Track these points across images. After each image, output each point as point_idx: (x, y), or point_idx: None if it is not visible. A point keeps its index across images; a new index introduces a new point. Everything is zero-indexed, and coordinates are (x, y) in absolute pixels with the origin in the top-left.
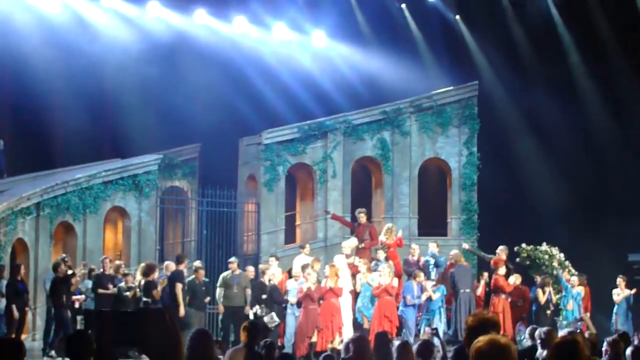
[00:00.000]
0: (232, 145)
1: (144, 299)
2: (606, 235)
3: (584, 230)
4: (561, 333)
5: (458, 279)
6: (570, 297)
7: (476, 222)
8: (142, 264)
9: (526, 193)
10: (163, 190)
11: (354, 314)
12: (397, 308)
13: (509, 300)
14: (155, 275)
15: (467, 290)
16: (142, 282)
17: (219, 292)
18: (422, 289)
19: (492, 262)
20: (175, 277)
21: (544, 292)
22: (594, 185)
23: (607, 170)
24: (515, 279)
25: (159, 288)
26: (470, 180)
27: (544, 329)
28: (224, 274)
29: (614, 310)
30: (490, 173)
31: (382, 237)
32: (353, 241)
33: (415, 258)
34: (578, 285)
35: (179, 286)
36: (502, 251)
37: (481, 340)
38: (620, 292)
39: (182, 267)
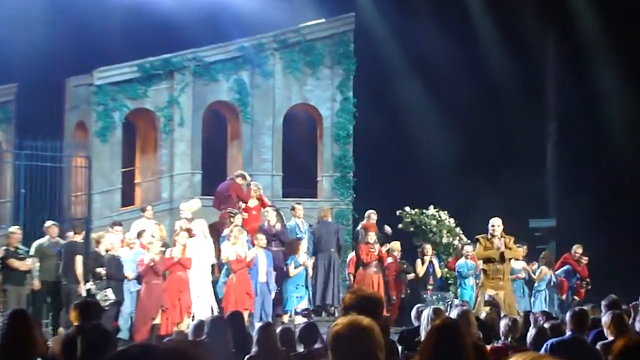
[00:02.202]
0: (56, 86)
1: None
2: (505, 197)
3: (478, 191)
4: (453, 313)
5: (319, 237)
6: (467, 271)
7: (351, 180)
8: None
9: (412, 146)
10: None
11: (216, 292)
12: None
13: (381, 274)
14: None
15: (332, 250)
16: None
17: (30, 262)
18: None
19: (360, 228)
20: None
21: (422, 263)
22: (491, 137)
23: (505, 120)
24: (393, 249)
25: None
26: (345, 130)
27: (431, 308)
28: (39, 241)
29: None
30: (368, 122)
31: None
32: (195, 203)
33: (273, 224)
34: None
35: (78, 259)
36: (369, 216)
37: (340, 322)
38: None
39: (78, 237)
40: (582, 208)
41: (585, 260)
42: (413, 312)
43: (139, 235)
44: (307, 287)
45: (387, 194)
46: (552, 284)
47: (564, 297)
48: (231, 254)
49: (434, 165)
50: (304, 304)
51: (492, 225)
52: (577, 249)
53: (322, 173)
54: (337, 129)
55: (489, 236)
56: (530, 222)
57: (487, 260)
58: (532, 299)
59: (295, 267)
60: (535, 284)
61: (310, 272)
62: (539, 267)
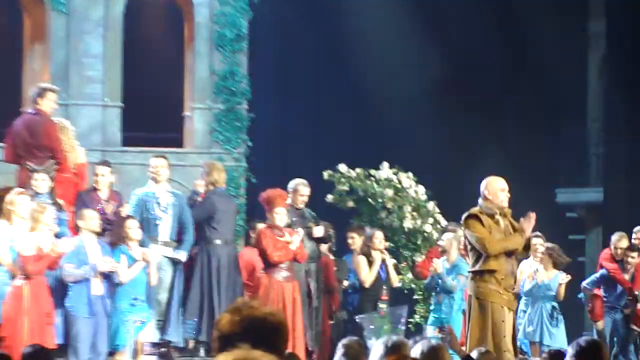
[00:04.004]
0: None
1: None
2: (515, 153)
3: (470, 144)
4: (416, 346)
5: (206, 217)
6: (454, 277)
7: (245, 117)
8: None
9: (354, 64)
10: None
11: None
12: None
13: (299, 282)
14: None
15: (228, 240)
16: None
17: None
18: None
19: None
20: None
21: (369, 263)
22: (494, 55)
23: (519, 25)
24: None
25: None
26: (235, 29)
27: (383, 343)
28: None
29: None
30: (276, 16)
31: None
32: None
33: (105, 197)
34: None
35: None
36: (297, 189)
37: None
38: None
39: None
40: None
41: (632, 258)
42: (337, 354)
43: None
44: (149, 302)
45: (308, 141)
46: (582, 299)
47: (600, 325)
48: (25, 244)
49: (394, 97)
50: (149, 334)
51: (502, 189)
52: (619, 240)
53: (192, 103)
54: (221, 25)
55: (491, 209)
56: (558, 195)
57: (497, 254)
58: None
59: (129, 267)
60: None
61: (169, 276)
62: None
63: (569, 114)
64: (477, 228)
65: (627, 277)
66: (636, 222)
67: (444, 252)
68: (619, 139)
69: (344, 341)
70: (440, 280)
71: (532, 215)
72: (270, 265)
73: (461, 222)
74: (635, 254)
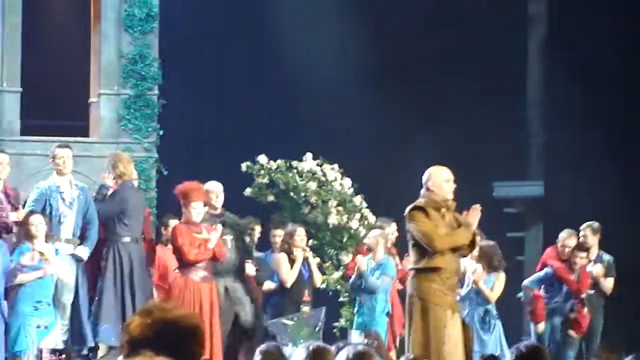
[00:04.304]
0: None
1: None
2: (449, 143)
3: (401, 132)
4: (341, 352)
5: (117, 212)
6: (380, 276)
7: (156, 104)
8: None
9: (278, 47)
10: None
11: None
12: None
13: (216, 282)
14: None
15: (138, 238)
16: None
17: None
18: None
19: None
20: None
21: (292, 259)
22: (427, 38)
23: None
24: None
25: None
26: (145, 9)
27: (305, 348)
28: None
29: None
30: None
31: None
32: None
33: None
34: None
35: None
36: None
37: None
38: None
39: None
40: (594, 163)
41: (581, 258)
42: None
43: None
44: (57, 306)
45: (225, 130)
46: (522, 299)
47: (541, 327)
48: None
49: (319, 83)
50: (52, 340)
51: (447, 180)
52: (568, 238)
53: (98, 89)
54: (130, 4)
55: (437, 202)
56: (495, 189)
57: (444, 251)
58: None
59: (34, 270)
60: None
61: (72, 277)
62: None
63: (506, 100)
64: (424, 222)
65: (572, 277)
66: (580, 218)
67: (369, 250)
68: (562, 127)
69: (262, 347)
70: (363, 280)
71: (477, 207)
72: (186, 265)
73: (405, 214)
74: (584, 254)
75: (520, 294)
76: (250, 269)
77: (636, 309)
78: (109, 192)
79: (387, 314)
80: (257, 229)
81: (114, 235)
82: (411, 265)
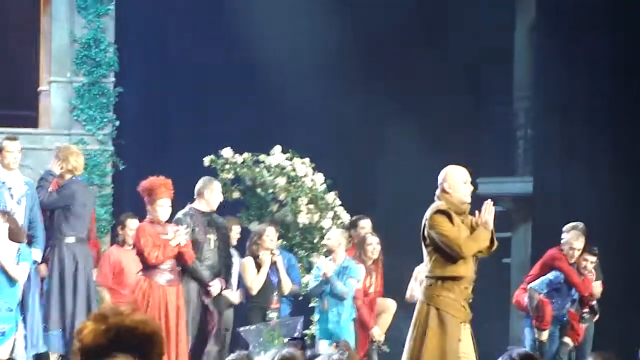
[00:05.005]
0: None
1: None
2: (432, 135)
3: (380, 123)
4: None
5: (69, 200)
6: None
7: (111, 93)
8: None
9: (241, 28)
10: None
11: None
12: None
13: (180, 285)
14: None
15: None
16: None
17: None
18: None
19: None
20: None
21: (259, 263)
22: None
23: None
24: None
25: None
26: None
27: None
28: None
29: None
30: None
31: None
32: None
33: None
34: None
35: None
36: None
37: None
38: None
39: None
40: (586, 157)
41: (591, 263)
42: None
43: None
44: (21, 311)
45: (187, 121)
46: (527, 304)
47: (545, 334)
48: None
49: (289, 70)
50: (8, 348)
51: (465, 181)
52: (576, 240)
53: (49, 76)
54: None
55: (456, 205)
56: (479, 185)
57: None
58: None
59: None
60: None
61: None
62: None
63: (492, 90)
64: (448, 228)
65: (577, 280)
66: (571, 216)
67: (329, 252)
68: (551, 119)
69: (232, 356)
70: (328, 286)
71: (490, 202)
72: (149, 267)
73: (425, 219)
74: (594, 259)
75: (524, 298)
76: (216, 288)
77: (627, 308)
78: (59, 185)
79: (353, 320)
80: (236, 229)
81: (58, 233)
82: (427, 274)
